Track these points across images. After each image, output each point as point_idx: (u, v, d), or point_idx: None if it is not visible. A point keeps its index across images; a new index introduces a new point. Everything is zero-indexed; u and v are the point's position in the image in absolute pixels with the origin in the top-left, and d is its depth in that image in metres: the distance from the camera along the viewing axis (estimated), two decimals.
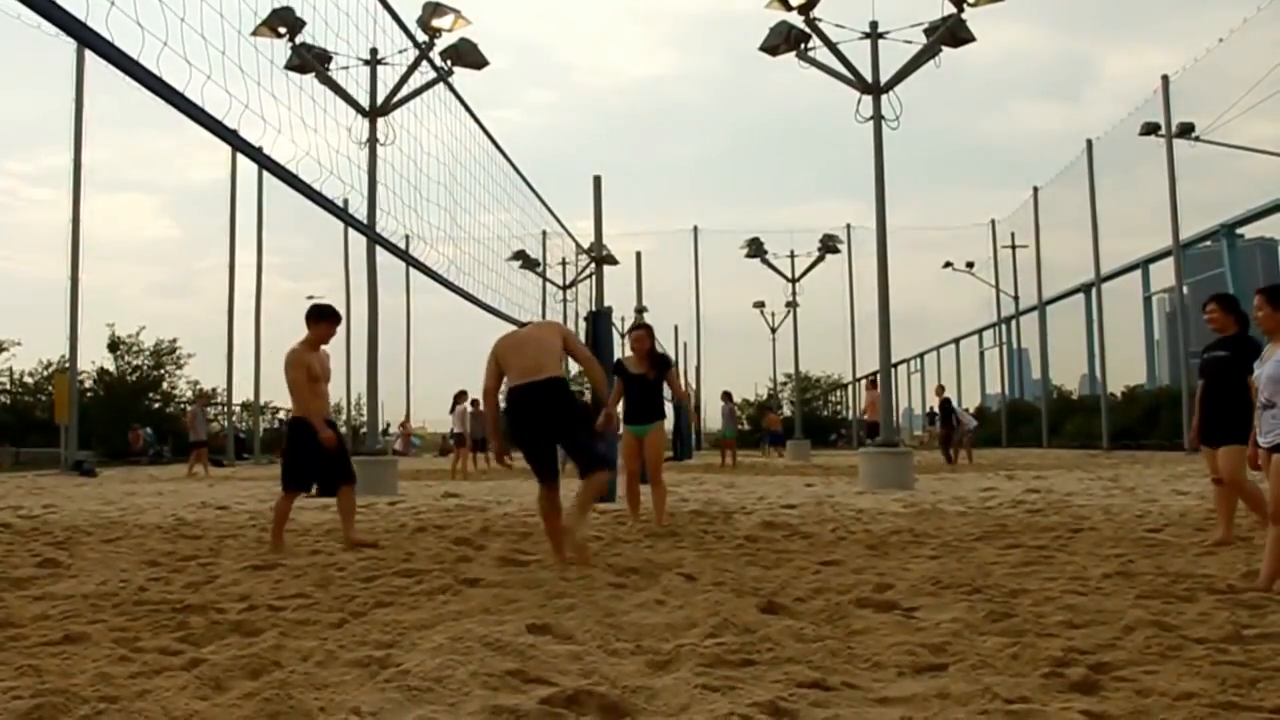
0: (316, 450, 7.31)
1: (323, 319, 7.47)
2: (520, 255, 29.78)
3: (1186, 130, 25.23)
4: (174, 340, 38.13)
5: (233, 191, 32.55)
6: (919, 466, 17.23)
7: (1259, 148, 23.12)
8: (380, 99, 15.90)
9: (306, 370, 7.32)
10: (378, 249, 14.17)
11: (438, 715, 2.79)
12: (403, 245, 8.58)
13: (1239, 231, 37.51)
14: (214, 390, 37.02)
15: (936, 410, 25.44)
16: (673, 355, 39.01)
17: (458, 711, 2.84)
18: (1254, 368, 5.42)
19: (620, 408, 8.57)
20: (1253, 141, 23.58)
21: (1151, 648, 3.62)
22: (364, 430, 17.53)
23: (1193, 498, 10.97)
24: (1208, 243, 37.34)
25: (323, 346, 7.55)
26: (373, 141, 15.62)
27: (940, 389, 24.26)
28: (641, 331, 8.88)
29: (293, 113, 5.87)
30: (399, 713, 2.82)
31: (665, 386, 8.82)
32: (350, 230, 24.40)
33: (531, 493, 13.14)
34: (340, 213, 5.88)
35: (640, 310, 35.44)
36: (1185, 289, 31.05)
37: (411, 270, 7.35)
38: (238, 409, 38.06)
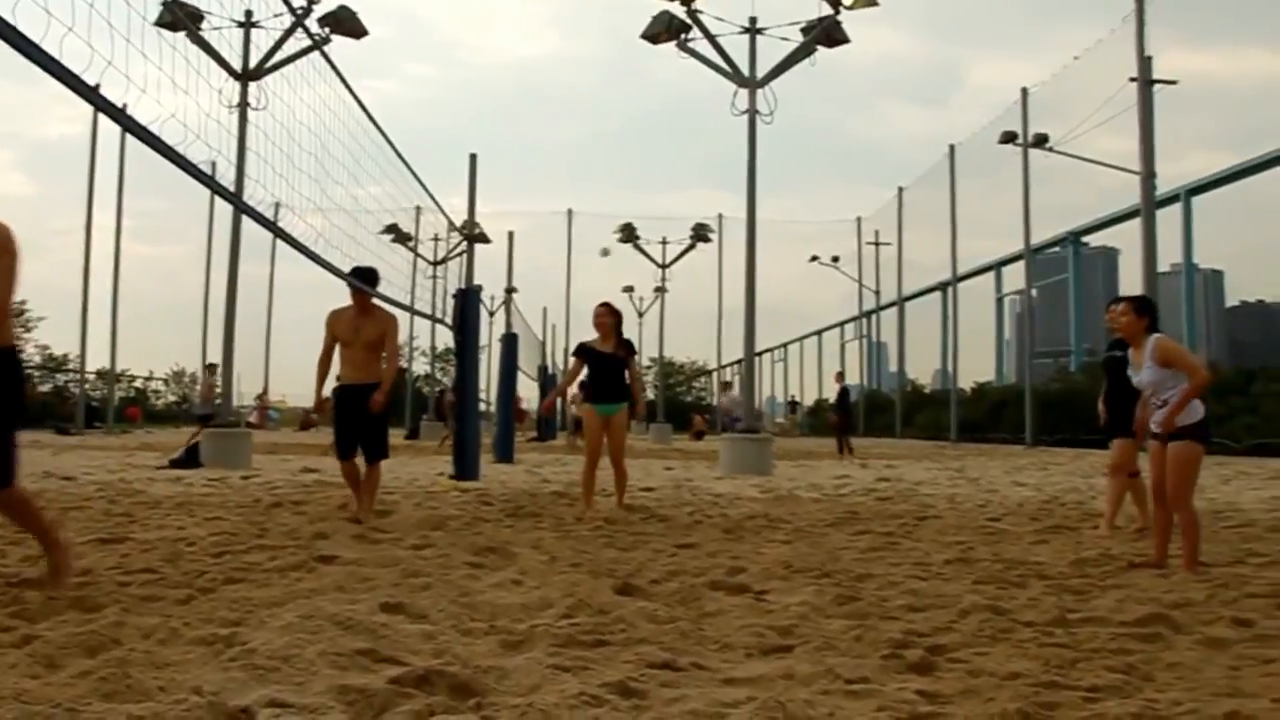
0: (340, 416, 7.51)
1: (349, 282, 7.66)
2: (393, 229, 29.23)
3: (1041, 141, 26.38)
4: (23, 302, 36.07)
5: (92, 150, 30.92)
6: (778, 453, 17.63)
7: (1106, 161, 24.35)
8: (253, 63, 15.35)
9: (329, 332, 7.57)
10: (244, 217, 13.70)
11: (283, 695, 2.74)
12: (271, 214, 8.32)
13: (1084, 240, 39.55)
14: (65, 356, 35.23)
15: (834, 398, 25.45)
16: (540, 336, 38.95)
17: (304, 691, 2.80)
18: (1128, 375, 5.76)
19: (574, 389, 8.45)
20: (1101, 155, 24.83)
21: (984, 630, 3.81)
22: (219, 402, 16.93)
23: (1030, 489, 11.54)
24: (1056, 249, 39.27)
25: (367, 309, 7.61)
26: (243, 106, 15.07)
27: (840, 376, 24.40)
28: (602, 308, 8.56)
29: (161, 72, 5.62)
30: (242, 692, 2.76)
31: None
32: (216, 196, 23.50)
33: (391, 469, 12.94)
34: (206, 179, 5.66)
35: (510, 290, 35.20)
36: (1034, 291, 32.51)
37: (278, 240, 7.15)
38: (91, 376, 36.29)
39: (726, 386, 37.41)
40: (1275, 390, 22.26)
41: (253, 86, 15.17)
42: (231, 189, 11.10)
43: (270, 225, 7.56)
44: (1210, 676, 3.18)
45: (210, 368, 20.82)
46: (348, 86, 9.37)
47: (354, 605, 3.91)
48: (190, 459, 13.79)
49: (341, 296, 7.70)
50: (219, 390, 17.32)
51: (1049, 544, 6.62)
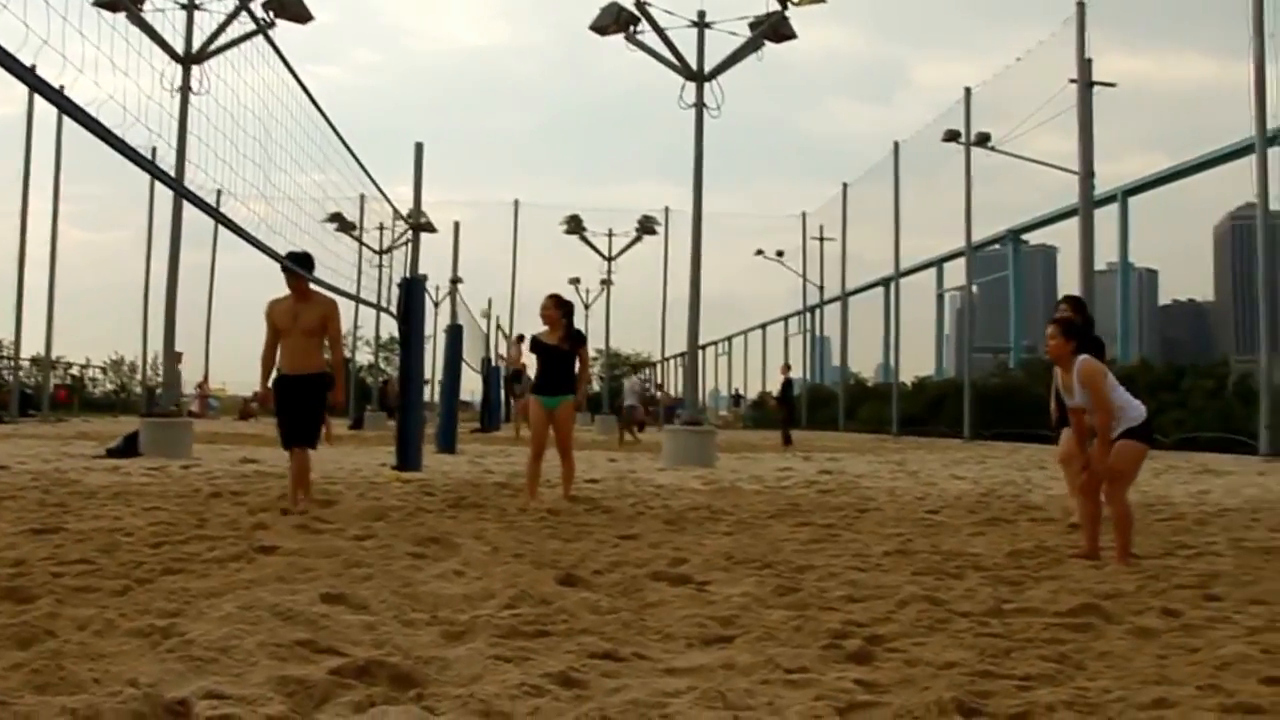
0: (280, 407, 7.43)
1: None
2: (336, 218, 28.87)
3: (984, 139, 26.77)
4: None
5: (28, 133, 30.12)
6: (721, 445, 17.73)
7: (1046, 161, 24.79)
8: (196, 46, 15.06)
9: (269, 323, 7.42)
10: (185, 202, 13.46)
11: (221, 686, 2.71)
12: (214, 200, 8.20)
13: (1024, 238, 40.20)
14: None
15: (778, 390, 25.36)
16: (484, 328, 38.75)
17: (243, 682, 2.77)
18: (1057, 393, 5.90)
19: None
20: (1041, 154, 25.27)
21: (922, 621, 3.88)
22: (159, 390, 16.61)
23: (968, 482, 11.74)
24: (996, 246, 39.87)
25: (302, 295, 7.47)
26: (185, 90, 14.77)
27: (785, 368, 24.38)
28: (549, 300, 8.59)
29: (100, 52, 5.52)
30: (180, 683, 2.73)
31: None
32: (157, 181, 23.05)
33: (334, 459, 12.80)
34: (146, 164, 5.54)
35: (455, 280, 35.03)
36: (974, 288, 33.00)
37: (220, 227, 7.03)
38: (26, 364, 35.39)
39: (634, 371, 37.56)
40: (1204, 386, 22.84)
41: (195, 70, 14.87)
42: (172, 174, 10.90)
43: (212, 211, 7.46)
44: (1139, 665, 3.27)
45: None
46: (292, 72, 9.26)
47: (294, 596, 3.87)
48: (128, 448, 13.53)
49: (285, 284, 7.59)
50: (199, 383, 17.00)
51: (986, 536, 6.74)
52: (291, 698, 2.67)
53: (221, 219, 7.39)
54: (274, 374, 7.53)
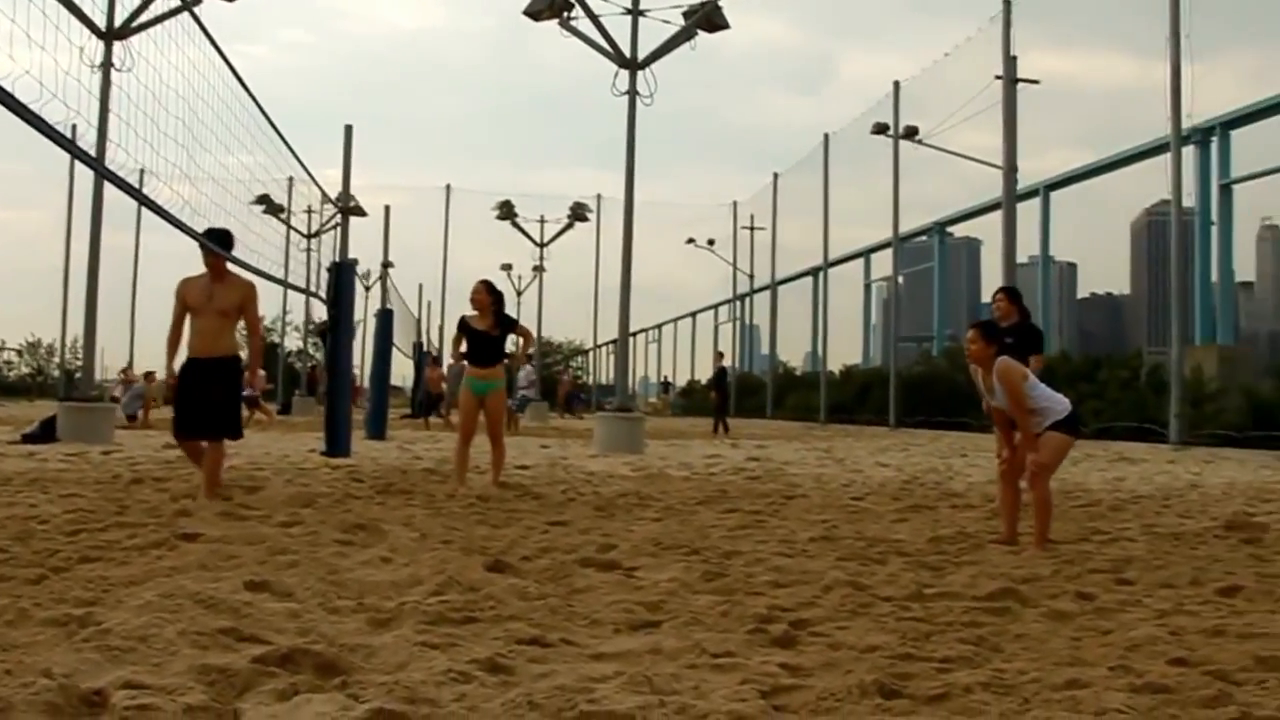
0: (182, 392, 7.01)
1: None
2: (264, 200, 28.35)
3: (911, 133, 27.13)
4: None
5: None
6: (650, 432, 17.81)
7: (972, 155, 25.22)
8: (119, 21, 14.61)
9: (179, 301, 7.05)
10: (106, 183, 13.09)
11: (139, 676, 2.66)
12: (136, 181, 7.99)
13: (949, 230, 40.89)
14: None
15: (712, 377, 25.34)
16: (415, 313, 38.36)
17: (162, 672, 2.72)
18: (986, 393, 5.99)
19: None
20: (967, 149, 25.71)
21: (845, 605, 3.94)
22: (79, 375, 16.17)
23: (892, 469, 11.94)
24: (923, 238, 40.51)
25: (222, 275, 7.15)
26: (107, 67, 14.33)
27: (719, 355, 24.39)
28: (480, 285, 8.54)
29: (16, 25, 5.34)
30: (96, 674, 2.67)
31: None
32: (76, 160, 22.34)
33: (262, 445, 12.60)
34: (64, 142, 5.37)
35: (386, 265, 34.62)
36: (900, 279, 33.49)
37: (144, 208, 6.84)
38: None
39: (528, 359, 37.63)
40: (1119, 377, 23.48)
41: (117, 46, 14.44)
42: (93, 153, 10.59)
43: (134, 192, 7.26)
44: (1054, 647, 3.37)
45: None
46: (218, 50, 9.05)
47: (217, 583, 3.81)
48: (45, 434, 13.16)
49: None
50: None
51: (909, 522, 6.87)
52: (213, 687, 2.63)
53: (144, 200, 7.20)
54: (181, 357, 7.15)
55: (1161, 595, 4.30)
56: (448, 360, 13.87)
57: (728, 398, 23.67)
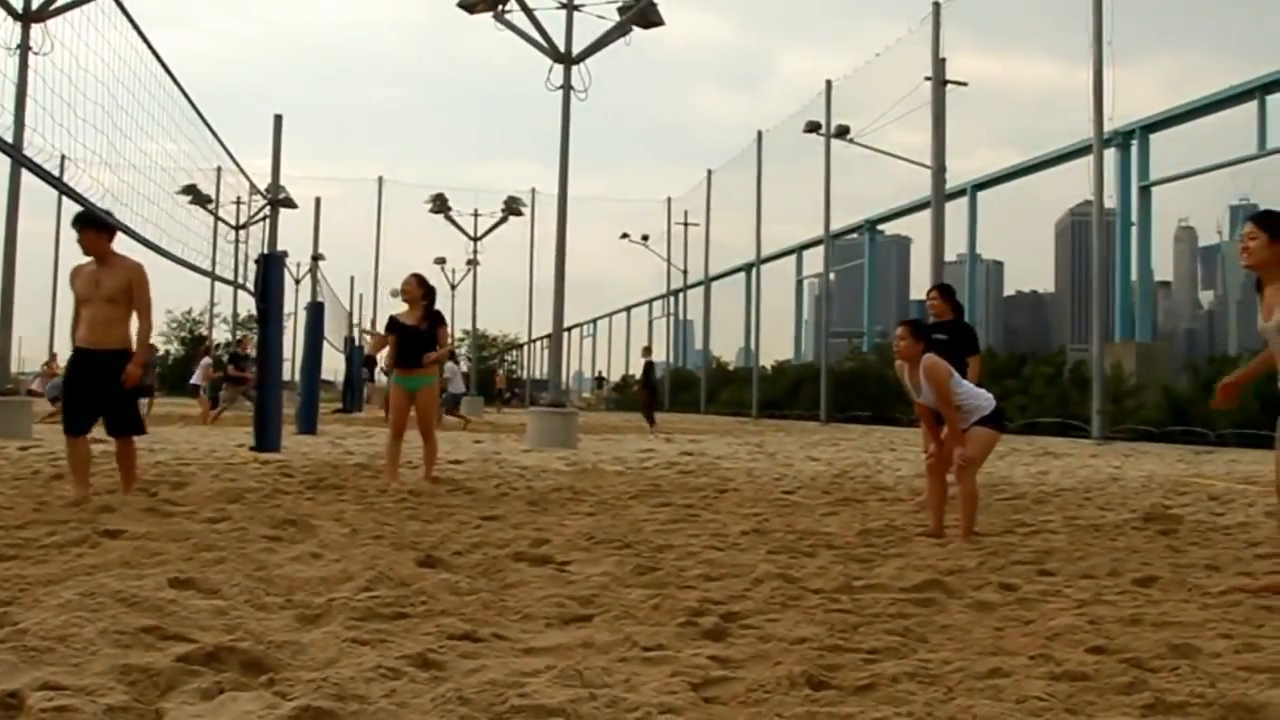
0: (70, 384, 6.54)
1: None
2: (191, 190, 27.73)
3: (843, 132, 27.47)
4: None
5: None
6: (584, 427, 17.80)
7: (902, 154, 25.62)
8: (36, 3, 14.18)
9: (74, 292, 6.57)
10: (23, 170, 12.70)
11: (58, 677, 2.59)
12: (56, 169, 7.76)
13: (880, 228, 41.48)
14: None
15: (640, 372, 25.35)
16: (347, 307, 37.86)
17: (82, 672, 2.65)
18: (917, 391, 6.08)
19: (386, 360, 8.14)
20: (897, 148, 26.15)
21: (776, 598, 3.98)
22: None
23: (822, 464, 12.09)
24: (853, 235, 41.03)
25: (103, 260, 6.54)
26: (24, 49, 13.89)
27: (646, 350, 24.44)
28: (411, 278, 8.46)
29: None
30: (12, 676, 2.59)
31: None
32: None
33: (190, 440, 12.35)
34: None
35: (316, 258, 34.09)
36: (832, 275, 33.89)
37: (64, 196, 6.58)
38: None
39: (451, 356, 37.55)
40: (1043, 373, 24.06)
41: (35, 28, 14.02)
42: (9, 139, 10.28)
43: (53, 180, 7.06)
44: (978, 637, 3.44)
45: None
46: (140, 33, 8.81)
47: (140, 581, 3.72)
48: None
49: (138, 259, 6.90)
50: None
51: (838, 515, 6.95)
52: (134, 687, 2.57)
53: (64, 188, 7.00)
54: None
55: (1081, 586, 4.41)
56: (368, 351, 13.66)
57: (655, 393, 23.70)
